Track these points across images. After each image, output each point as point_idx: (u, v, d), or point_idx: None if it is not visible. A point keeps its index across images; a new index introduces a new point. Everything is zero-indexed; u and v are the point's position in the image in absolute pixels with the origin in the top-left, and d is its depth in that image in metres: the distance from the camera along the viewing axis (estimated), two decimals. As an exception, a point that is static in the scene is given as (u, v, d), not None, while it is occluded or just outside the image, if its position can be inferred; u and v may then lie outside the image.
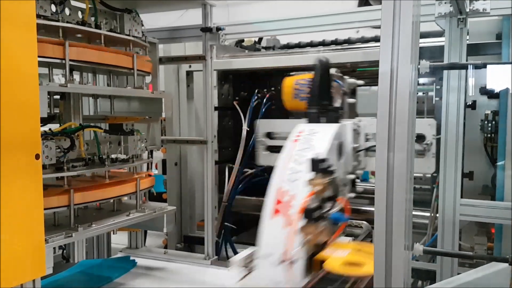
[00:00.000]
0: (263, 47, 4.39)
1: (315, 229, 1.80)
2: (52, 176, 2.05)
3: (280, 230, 1.86)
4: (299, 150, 2.05)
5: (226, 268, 2.88)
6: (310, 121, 2.27)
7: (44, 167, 1.87)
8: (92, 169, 2.28)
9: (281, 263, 1.82)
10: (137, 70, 2.40)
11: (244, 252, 2.12)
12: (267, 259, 1.86)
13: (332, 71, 2.40)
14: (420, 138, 2.66)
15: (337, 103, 2.41)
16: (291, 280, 1.81)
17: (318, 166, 1.85)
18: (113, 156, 2.44)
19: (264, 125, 3.03)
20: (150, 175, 2.71)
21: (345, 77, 2.61)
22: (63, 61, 2.01)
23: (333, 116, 2.27)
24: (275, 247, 1.85)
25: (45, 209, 1.60)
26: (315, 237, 1.83)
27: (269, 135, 3.21)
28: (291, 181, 1.95)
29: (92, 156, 2.36)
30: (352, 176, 2.35)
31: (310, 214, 1.77)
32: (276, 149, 2.98)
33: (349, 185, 2.33)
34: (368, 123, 2.48)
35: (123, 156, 2.51)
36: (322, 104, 2.27)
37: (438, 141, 2.77)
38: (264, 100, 3.72)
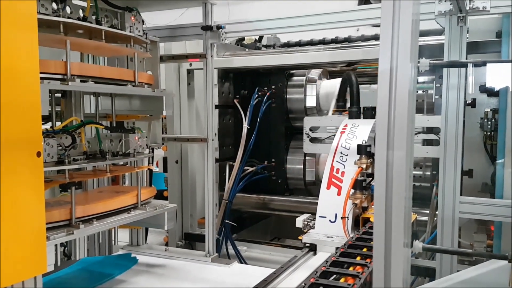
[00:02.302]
0: (263, 46, 4.40)
1: (361, 196, 2.45)
2: (53, 169, 2.06)
3: (333, 198, 2.55)
4: (346, 139, 2.70)
5: (226, 265, 2.89)
6: (352, 118, 2.94)
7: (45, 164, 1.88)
8: (93, 162, 2.29)
9: (334, 222, 2.51)
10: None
11: (304, 215, 2.76)
12: (324, 219, 2.55)
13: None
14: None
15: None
16: (342, 234, 2.45)
17: (363, 150, 2.50)
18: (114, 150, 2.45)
19: (308, 121, 3.49)
20: (150, 169, 2.70)
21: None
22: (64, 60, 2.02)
23: (369, 113, 2.93)
24: (330, 210, 2.54)
25: (47, 223, 1.61)
26: (361, 202, 2.46)
27: (312, 129, 3.50)
28: (342, 162, 2.62)
29: (94, 153, 2.36)
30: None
31: (358, 185, 2.45)
32: (317, 140, 3.52)
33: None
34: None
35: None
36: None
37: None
38: (265, 98, 3.72)
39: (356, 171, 2.50)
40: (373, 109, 2.93)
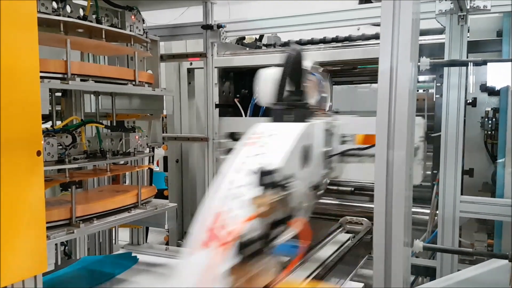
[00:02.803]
0: (264, 45, 4.39)
1: (251, 268, 1.25)
2: (53, 168, 2.07)
3: (204, 270, 1.24)
4: (249, 157, 1.47)
5: (227, 265, 2.89)
6: (275, 120, 1.81)
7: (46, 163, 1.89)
8: (93, 161, 2.29)
9: None
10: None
11: None
12: None
13: (309, 63, 1.87)
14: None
15: (313, 99, 1.89)
16: None
17: (266, 179, 1.33)
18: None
19: (226, 124, 2.68)
20: (151, 168, 2.70)
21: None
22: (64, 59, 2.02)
23: (301, 113, 1.75)
24: None
25: (47, 222, 1.61)
26: (251, 281, 1.26)
27: (233, 136, 2.99)
28: (231, 198, 1.34)
29: (94, 152, 2.37)
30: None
31: (244, 249, 1.22)
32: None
33: (314, 199, 1.68)
34: (345, 122, 1.96)
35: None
36: (289, 100, 1.78)
37: (435, 140, 2.76)
38: (265, 97, 3.71)
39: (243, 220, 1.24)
40: (306, 108, 1.76)
